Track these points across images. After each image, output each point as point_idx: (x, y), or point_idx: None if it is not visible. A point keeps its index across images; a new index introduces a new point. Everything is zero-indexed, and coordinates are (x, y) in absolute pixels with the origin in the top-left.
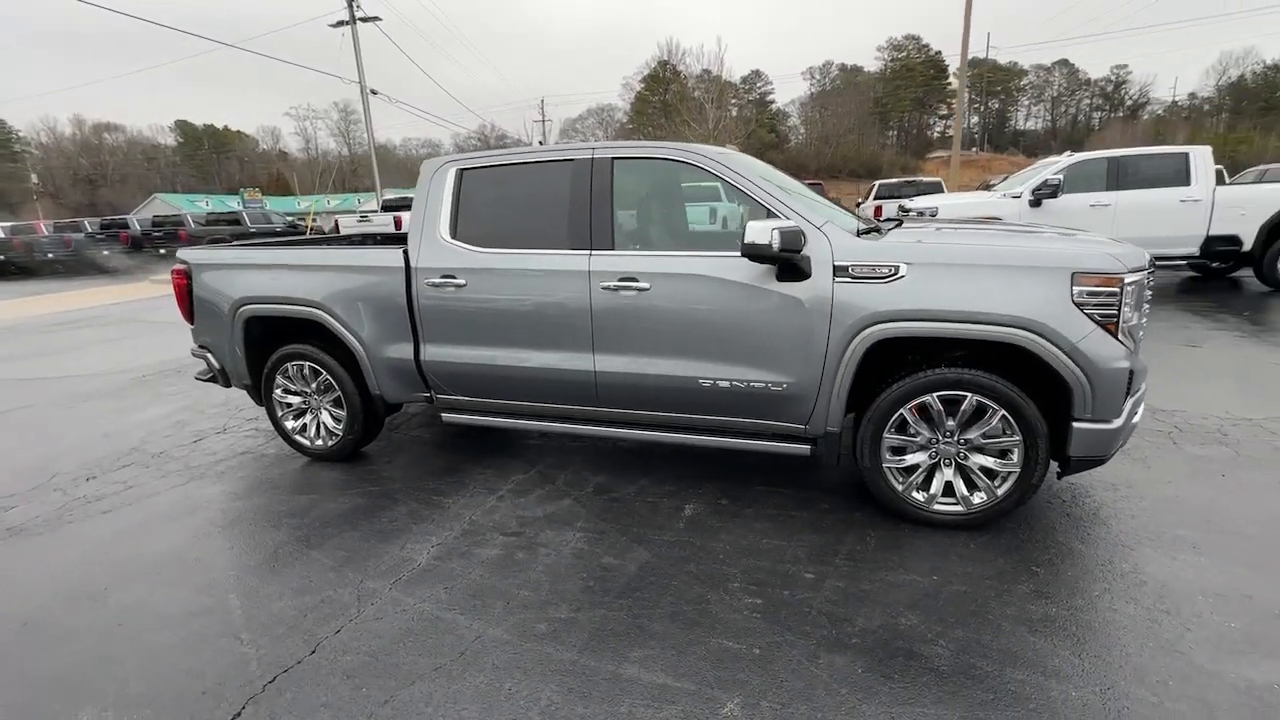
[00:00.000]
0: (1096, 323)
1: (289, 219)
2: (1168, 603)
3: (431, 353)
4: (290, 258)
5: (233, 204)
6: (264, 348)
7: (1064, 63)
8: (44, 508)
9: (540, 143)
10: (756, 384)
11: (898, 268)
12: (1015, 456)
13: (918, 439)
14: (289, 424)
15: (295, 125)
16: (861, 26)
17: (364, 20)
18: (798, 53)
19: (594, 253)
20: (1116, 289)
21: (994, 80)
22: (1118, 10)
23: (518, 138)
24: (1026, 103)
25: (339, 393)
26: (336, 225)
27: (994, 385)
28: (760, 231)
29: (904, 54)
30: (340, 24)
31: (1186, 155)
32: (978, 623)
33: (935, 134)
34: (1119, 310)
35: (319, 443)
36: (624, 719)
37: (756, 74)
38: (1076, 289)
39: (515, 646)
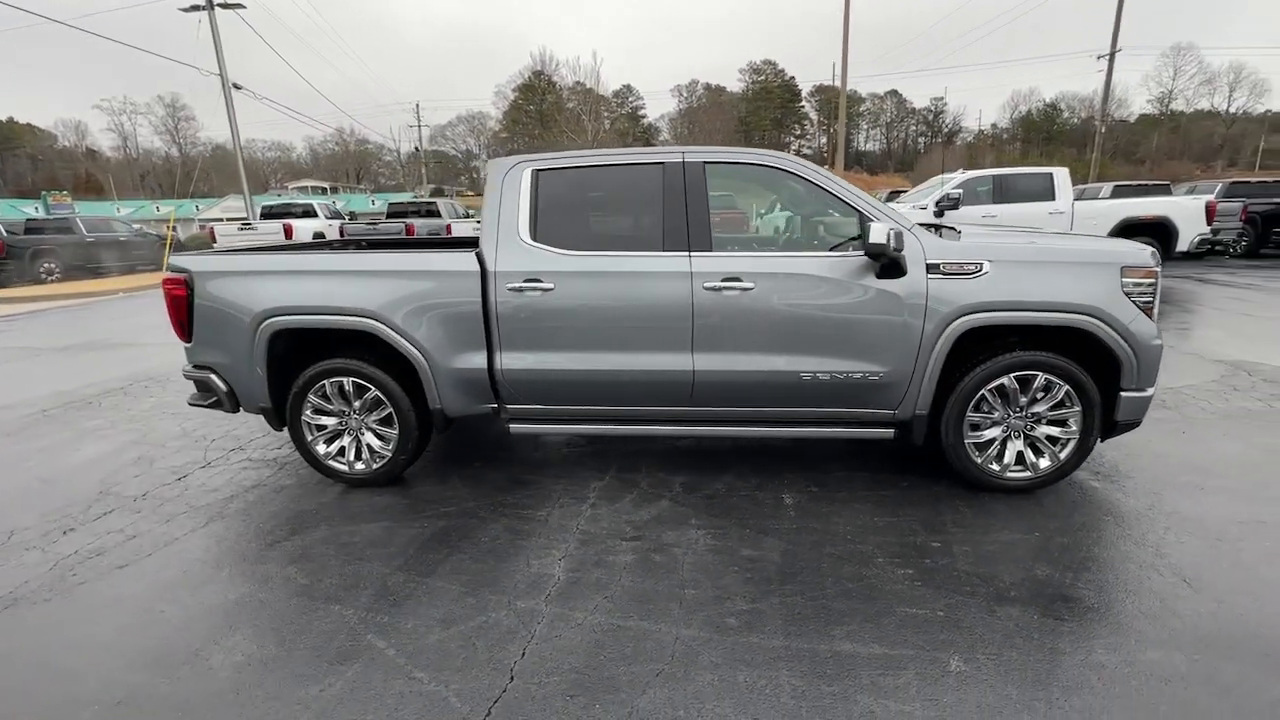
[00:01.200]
0: (1139, 308)
1: (137, 227)
2: (1214, 532)
3: (510, 361)
4: (335, 263)
5: (30, 210)
6: (289, 365)
7: (894, 93)
8: (28, 571)
9: (417, 148)
10: (855, 374)
11: (982, 265)
12: (1074, 425)
13: (993, 415)
14: (320, 449)
15: (109, 120)
16: (724, 48)
17: (224, 6)
18: (665, 70)
19: (694, 254)
20: (1154, 280)
21: (837, 106)
22: (937, 51)
23: (382, 143)
24: (865, 126)
25: (389, 410)
26: (213, 234)
27: (1062, 365)
28: (881, 233)
29: (763, 77)
30: (194, 8)
31: (1051, 175)
32: (1095, 564)
33: (791, 151)
34: (1155, 297)
35: (360, 466)
36: (870, 689)
37: (628, 89)
38: (1125, 280)
39: (719, 642)
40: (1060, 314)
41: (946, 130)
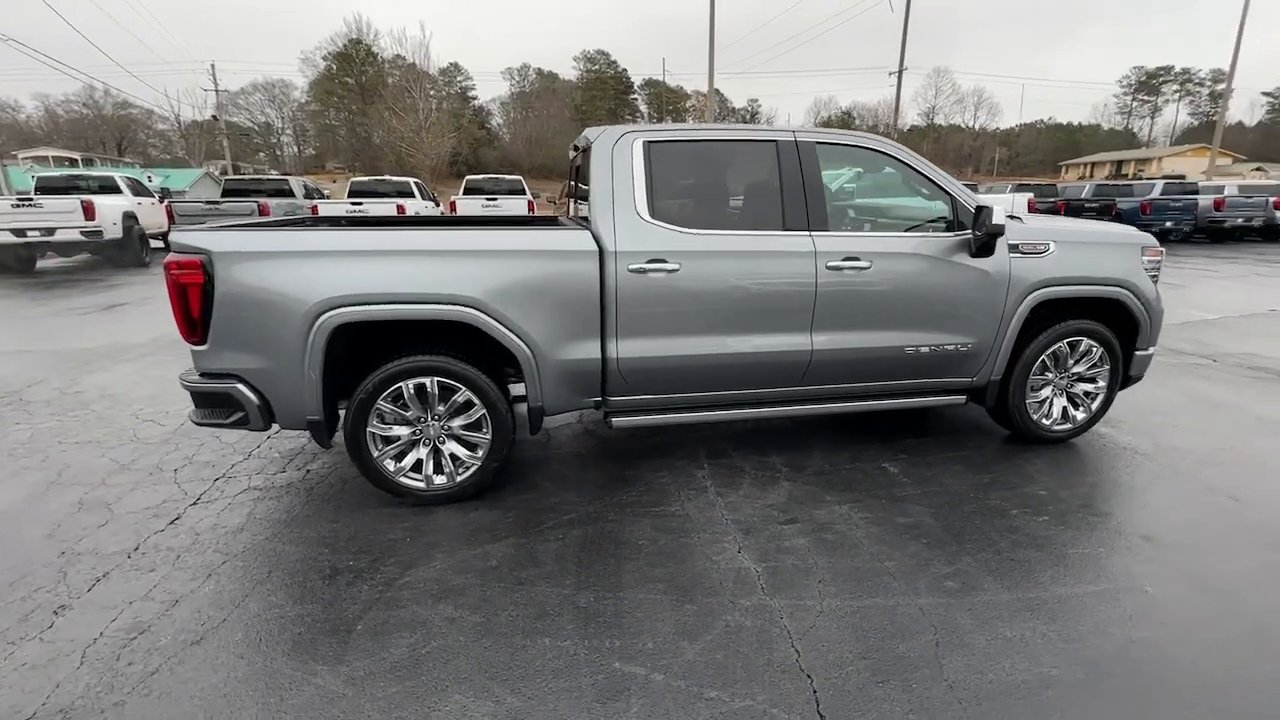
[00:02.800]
0: (1153, 280)
1: None
2: (1207, 459)
3: (628, 348)
4: (421, 241)
5: None
6: (347, 368)
7: (717, 91)
8: (48, 678)
9: (216, 116)
10: (949, 346)
11: (1049, 245)
12: (1102, 381)
13: (1046, 376)
14: (389, 464)
15: None
16: (557, 35)
17: None
18: (494, 52)
19: (815, 233)
20: (1160, 258)
21: (668, 100)
22: (756, 57)
23: (152, 108)
24: (693, 121)
25: (482, 411)
26: None
27: (1101, 330)
28: (1000, 215)
29: (597, 67)
30: None
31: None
32: (1170, 499)
33: None
34: (1159, 271)
35: (440, 480)
36: (1121, 619)
37: (456, 67)
38: (1144, 258)
39: (959, 605)
40: (1104, 287)
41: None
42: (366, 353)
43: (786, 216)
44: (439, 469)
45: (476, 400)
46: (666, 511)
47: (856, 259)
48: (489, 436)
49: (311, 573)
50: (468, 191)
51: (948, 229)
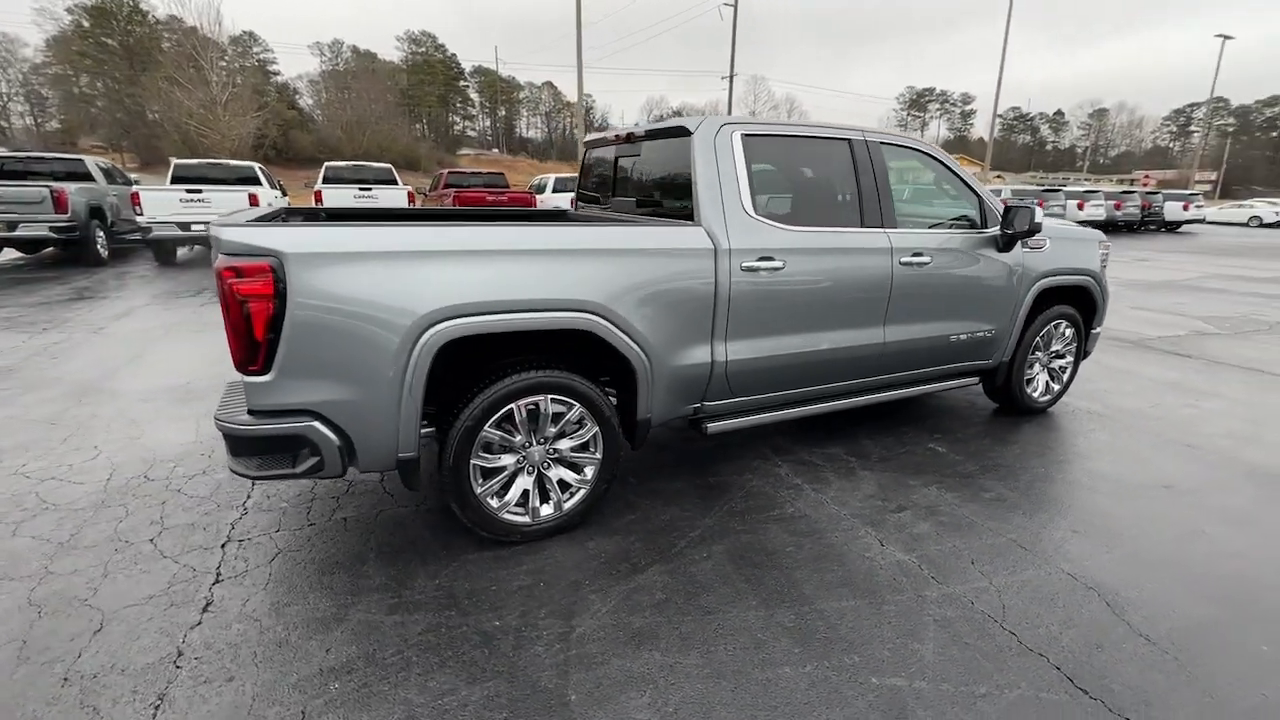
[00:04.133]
0: (1103, 269)
1: None
2: (1148, 415)
3: (735, 350)
4: (540, 239)
5: None
6: (445, 390)
7: (550, 84)
8: None
9: None
10: (979, 333)
11: (1047, 240)
12: (1070, 357)
13: (1036, 355)
14: (494, 501)
15: None
16: (372, 12)
17: None
18: (299, 25)
19: (888, 230)
20: (1109, 250)
21: (501, 90)
22: (590, 53)
23: None
24: (526, 114)
25: (595, 430)
26: None
27: (1074, 313)
28: (1039, 215)
29: (423, 49)
30: None
31: None
32: (1149, 447)
33: (457, 131)
34: (1107, 261)
35: (547, 511)
36: (1210, 555)
37: (251, 36)
38: (1099, 251)
39: (1096, 561)
40: (1080, 276)
41: (598, 125)
42: (456, 372)
43: (865, 213)
44: (545, 498)
45: (590, 418)
46: (784, 514)
47: (920, 254)
48: (599, 456)
49: (459, 643)
50: (329, 180)
51: (970, 226)
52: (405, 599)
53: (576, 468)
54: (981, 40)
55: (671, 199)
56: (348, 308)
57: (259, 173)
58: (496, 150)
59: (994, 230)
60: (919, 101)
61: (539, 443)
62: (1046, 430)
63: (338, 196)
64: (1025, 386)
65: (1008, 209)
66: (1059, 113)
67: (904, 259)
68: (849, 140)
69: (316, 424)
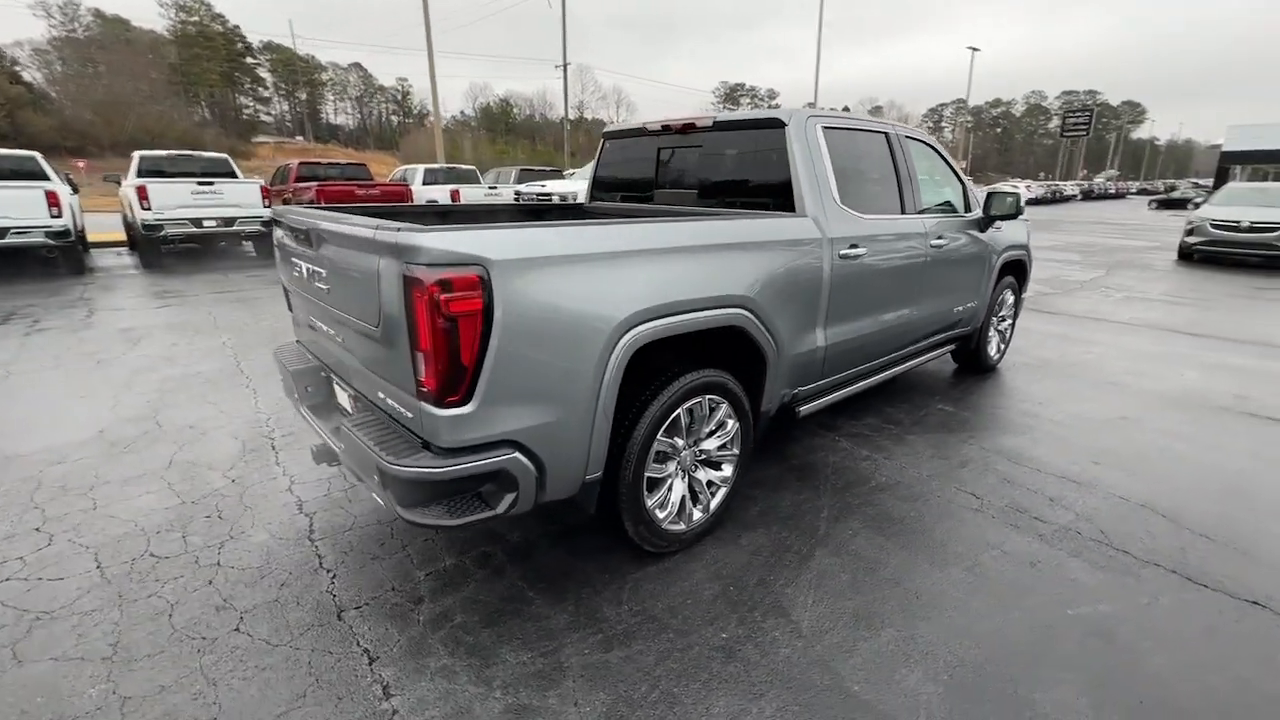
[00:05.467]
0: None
1: None
2: (1081, 362)
3: (834, 333)
4: (697, 234)
5: None
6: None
7: (358, 66)
8: None
9: None
10: (971, 303)
11: (1000, 222)
12: (1010, 320)
13: (993, 320)
14: (660, 513)
15: None
16: None
17: None
18: None
19: (922, 216)
20: (1029, 225)
21: (301, 71)
22: (407, 32)
23: None
24: (333, 98)
25: (735, 426)
26: None
27: (1014, 282)
28: (1024, 199)
29: (196, 18)
30: None
31: None
32: (1088, 387)
33: (249, 115)
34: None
35: (698, 515)
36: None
37: None
38: (1027, 228)
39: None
40: (1021, 250)
41: (417, 112)
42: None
43: (904, 201)
44: (696, 501)
45: (733, 415)
46: (882, 484)
47: (941, 237)
48: (737, 452)
49: (706, 662)
50: (146, 173)
51: (956, 211)
52: (609, 632)
53: (716, 466)
54: (769, 40)
55: (758, 191)
56: (550, 318)
57: (42, 164)
58: (301, 138)
59: (977, 214)
60: (732, 95)
61: (689, 446)
62: (1010, 384)
63: (168, 194)
64: (987, 347)
65: (989, 195)
66: (846, 108)
67: (933, 241)
68: (886, 134)
69: (518, 455)
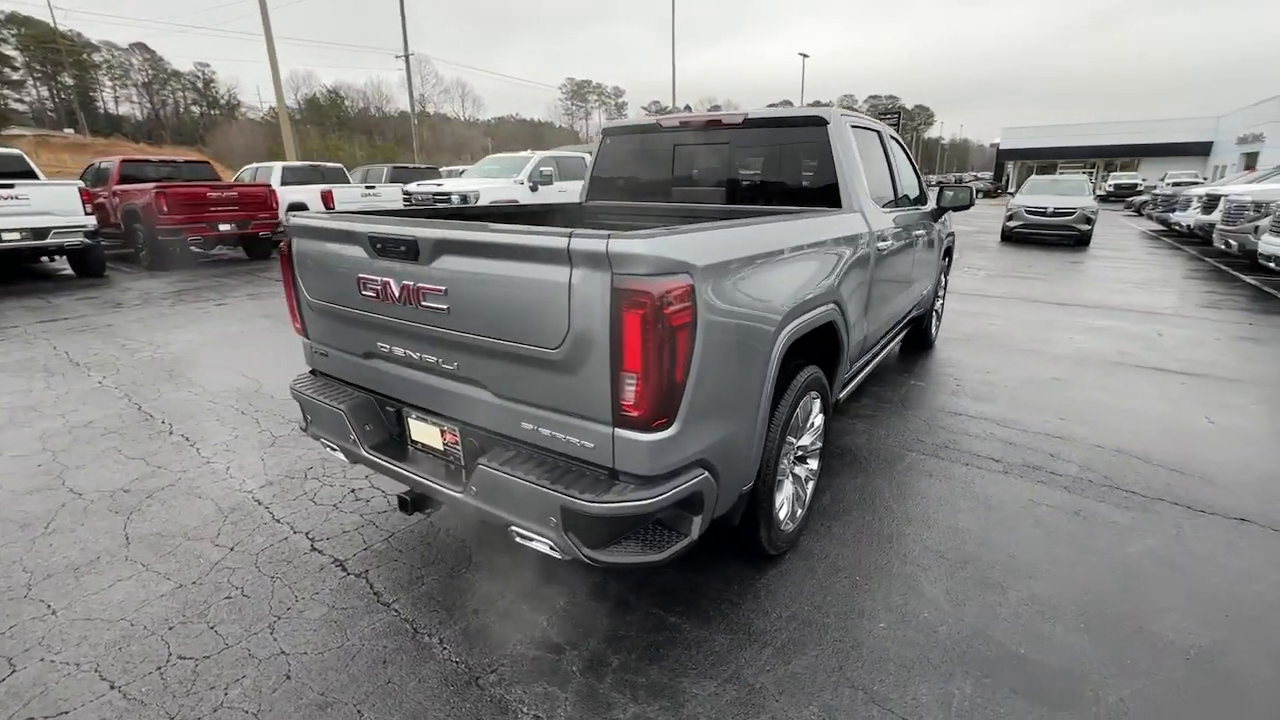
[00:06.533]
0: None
1: None
2: (1015, 335)
3: (869, 321)
4: (806, 232)
5: None
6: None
7: (143, 47)
8: None
9: None
10: (928, 288)
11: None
12: (942, 300)
13: (934, 298)
14: (781, 513)
15: None
16: None
17: None
18: None
19: (912, 208)
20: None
21: (66, 51)
22: (215, 14)
23: None
24: (111, 84)
25: (822, 419)
26: None
27: (947, 264)
28: (975, 193)
29: None
30: None
31: (583, 157)
32: (1017, 353)
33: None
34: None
35: (800, 512)
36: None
37: None
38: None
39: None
40: (951, 236)
41: (225, 103)
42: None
43: (896, 194)
44: (799, 499)
45: (821, 410)
46: (912, 463)
47: (920, 226)
48: (821, 446)
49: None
50: None
51: (917, 203)
52: (775, 643)
53: (805, 462)
54: (605, 37)
55: (799, 189)
56: (732, 324)
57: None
58: (72, 131)
59: (932, 205)
60: (579, 92)
61: (795, 439)
62: (953, 357)
63: None
64: (931, 326)
65: (941, 188)
66: (688, 106)
67: (916, 231)
68: (879, 132)
69: (707, 474)
